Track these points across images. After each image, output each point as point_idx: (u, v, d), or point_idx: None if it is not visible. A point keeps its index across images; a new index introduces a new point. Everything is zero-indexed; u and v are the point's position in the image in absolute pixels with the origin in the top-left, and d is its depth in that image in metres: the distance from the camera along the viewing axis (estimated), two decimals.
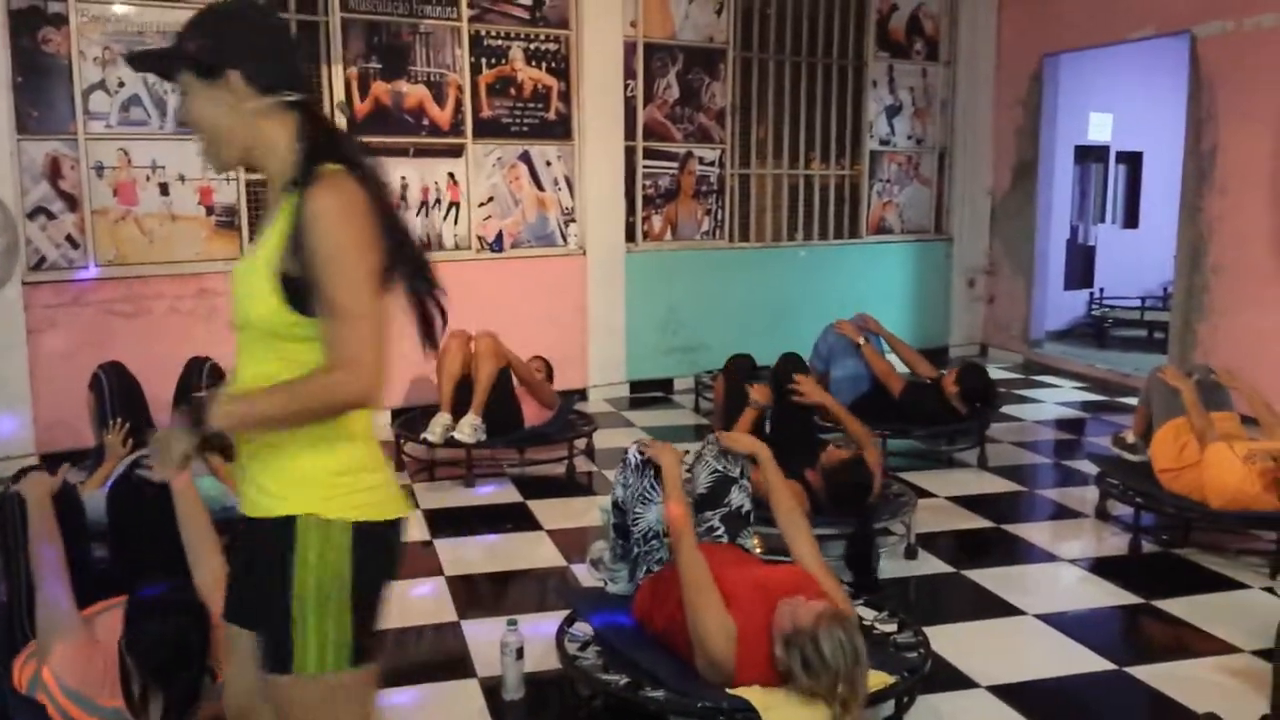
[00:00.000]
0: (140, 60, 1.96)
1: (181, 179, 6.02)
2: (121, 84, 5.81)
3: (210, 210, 6.12)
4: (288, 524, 1.84)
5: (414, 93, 6.68)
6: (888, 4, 8.38)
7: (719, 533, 3.37)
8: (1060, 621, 3.80)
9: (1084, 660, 3.52)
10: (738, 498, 3.42)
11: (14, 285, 5.46)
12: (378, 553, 1.90)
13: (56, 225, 5.73)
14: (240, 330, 1.91)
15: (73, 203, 5.76)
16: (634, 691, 2.83)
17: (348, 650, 1.87)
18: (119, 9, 5.76)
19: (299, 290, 1.80)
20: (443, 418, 5.46)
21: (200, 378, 4.77)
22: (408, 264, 1.91)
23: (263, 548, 1.87)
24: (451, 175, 6.87)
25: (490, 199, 7.05)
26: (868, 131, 8.41)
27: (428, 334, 1.96)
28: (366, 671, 1.93)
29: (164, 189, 5.99)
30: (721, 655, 2.73)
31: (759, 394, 4.64)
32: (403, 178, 6.68)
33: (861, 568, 3.89)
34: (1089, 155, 10.13)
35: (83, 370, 5.12)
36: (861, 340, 5.84)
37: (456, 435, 5.40)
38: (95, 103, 5.76)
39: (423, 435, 5.45)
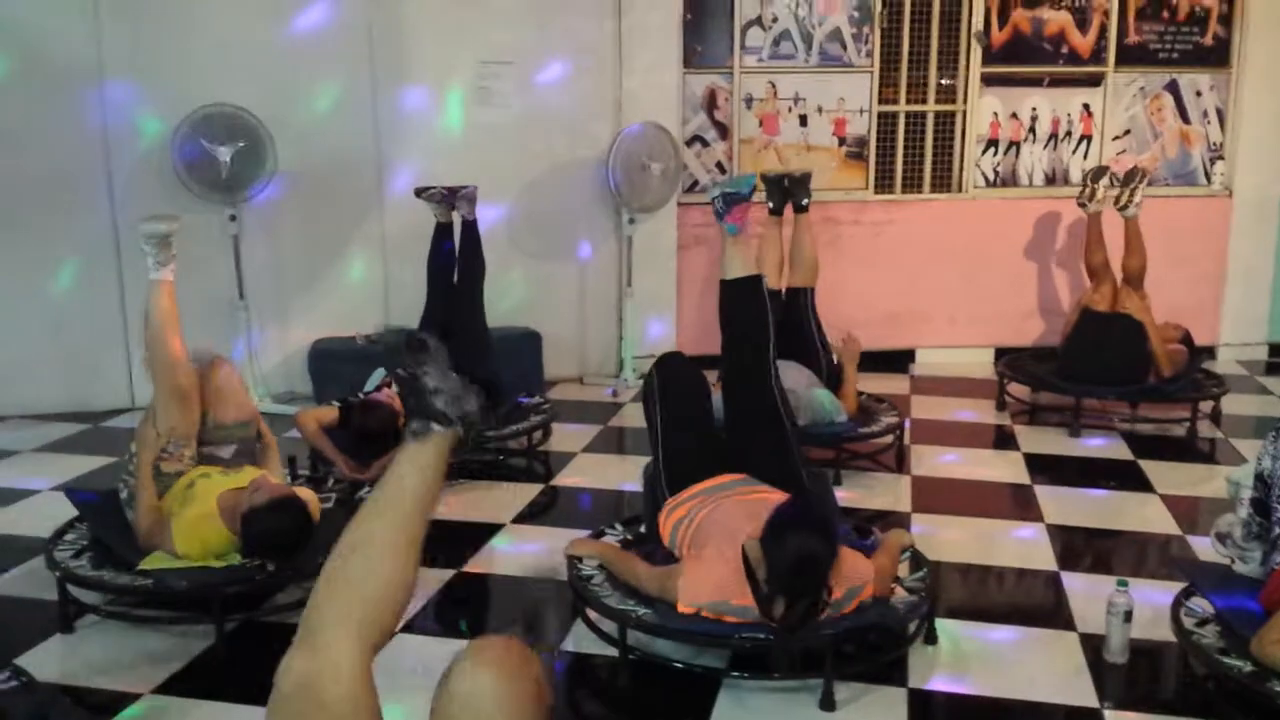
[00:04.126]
0: None
1: (819, 110, 6.36)
2: (775, 19, 6.25)
3: (842, 141, 6.41)
4: None
5: (1056, 19, 6.38)
6: None
7: None
8: None
9: None
10: None
11: (670, 206, 6.19)
12: None
13: (709, 152, 6.36)
14: None
15: (724, 131, 6.34)
16: (1259, 683, 2.59)
17: None
18: None
19: None
20: None
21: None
22: None
23: None
24: (1086, 106, 6.51)
25: (1127, 132, 6.56)
26: None
27: None
28: None
29: (803, 120, 6.38)
30: None
31: None
32: (1033, 109, 6.47)
33: None
34: None
35: (716, 285, 5.69)
36: None
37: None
38: (751, 38, 6.26)
39: None
